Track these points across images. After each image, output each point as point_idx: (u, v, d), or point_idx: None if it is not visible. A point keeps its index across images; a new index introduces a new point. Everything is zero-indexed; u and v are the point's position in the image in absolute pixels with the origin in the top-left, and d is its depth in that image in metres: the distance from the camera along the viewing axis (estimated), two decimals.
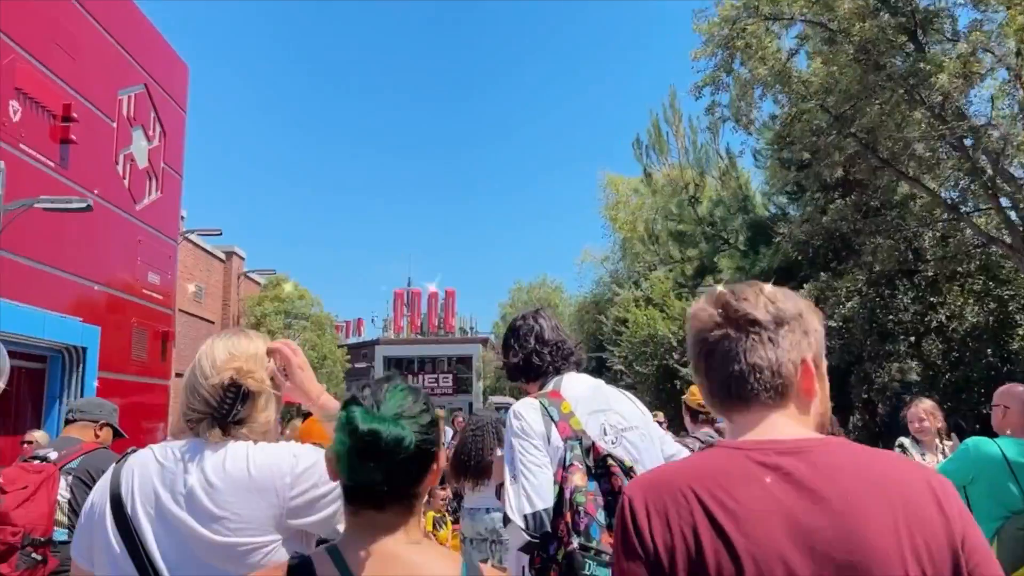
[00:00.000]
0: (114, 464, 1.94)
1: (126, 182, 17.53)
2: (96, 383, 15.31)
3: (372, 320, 49.56)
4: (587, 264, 30.17)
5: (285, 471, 1.82)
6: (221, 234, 22.52)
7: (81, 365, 14.51)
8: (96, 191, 16.18)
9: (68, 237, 15.33)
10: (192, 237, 23.66)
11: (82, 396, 15.07)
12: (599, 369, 26.17)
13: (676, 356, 14.46)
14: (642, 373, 15.53)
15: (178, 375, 22.68)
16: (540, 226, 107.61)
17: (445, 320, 47.74)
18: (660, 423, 9.97)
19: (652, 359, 15.10)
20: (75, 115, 14.90)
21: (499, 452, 6.33)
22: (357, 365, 40.69)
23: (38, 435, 8.54)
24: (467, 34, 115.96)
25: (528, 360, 3.06)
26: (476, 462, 6.26)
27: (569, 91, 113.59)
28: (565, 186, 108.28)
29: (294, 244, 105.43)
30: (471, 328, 49.11)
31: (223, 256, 27.03)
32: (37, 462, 3.47)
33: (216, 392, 1.92)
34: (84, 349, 14.62)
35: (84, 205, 10.97)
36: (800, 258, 9.28)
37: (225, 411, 1.89)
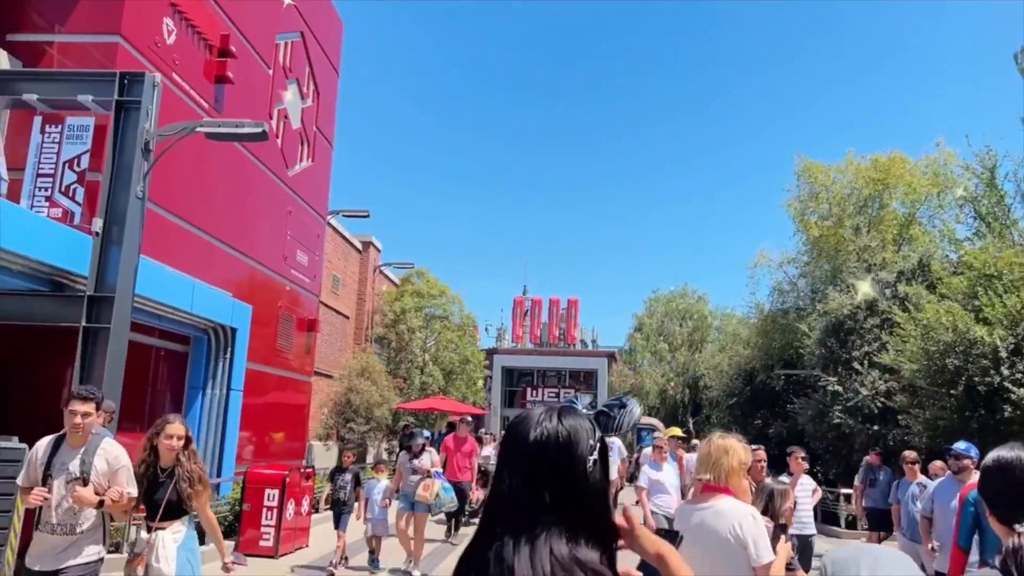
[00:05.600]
0: None
1: (279, 141, 14.98)
2: (243, 375, 12.69)
3: (486, 328, 46.82)
4: (761, 268, 26.23)
5: None
6: (368, 216, 20.01)
7: (230, 350, 11.89)
8: (250, 147, 13.70)
9: (216, 197, 12.82)
10: (332, 221, 21.19)
11: (229, 389, 12.45)
12: (794, 391, 22.13)
13: (1006, 372, 10.50)
14: (939, 393, 11.59)
15: (316, 373, 20.17)
16: (681, 229, 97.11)
17: (567, 331, 44.43)
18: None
19: (959, 376, 11.16)
20: (233, 49, 12.42)
21: None
22: None
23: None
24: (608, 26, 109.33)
25: None
26: None
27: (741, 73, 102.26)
28: (711, 186, 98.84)
29: (413, 242, 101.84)
30: (593, 341, 45.65)
31: (360, 246, 24.58)
32: None
33: None
34: (234, 331, 12.02)
35: (259, 130, 8.18)
36: None
37: None
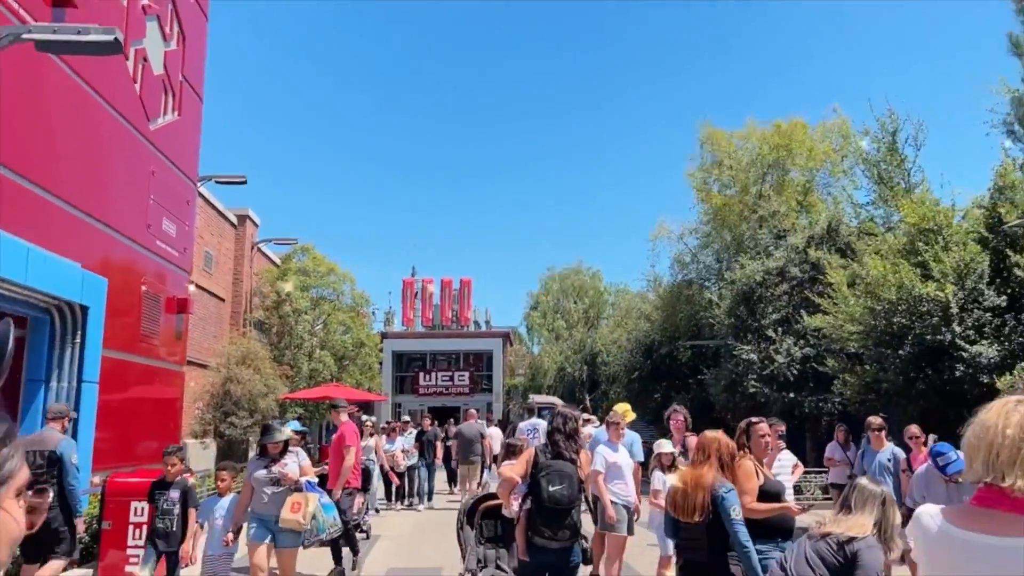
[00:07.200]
0: None
1: (138, 87, 12.68)
2: (99, 364, 10.48)
3: (373, 312, 44.76)
4: (661, 240, 25.79)
5: None
6: (245, 182, 17.77)
7: (80, 333, 9.70)
8: (102, 91, 11.37)
9: (59, 149, 10.50)
10: (202, 190, 18.78)
11: (80, 381, 10.21)
12: (702, 362, 21.69)
13: (957, 328, 10.03)
14: (883, 354, 11.08)
15: (189, 362, 17.76)
16: (576, 205, 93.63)
17: (460, 313, 43.07)
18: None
19: (905, 335, 10.66)
20: None
21: None
22: None
23: None
24: None
25: None
26: None
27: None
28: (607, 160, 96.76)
29: (291, 220, 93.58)
30: (487, 322, 44.55)
31: (235, 220, 22.13)
32: None
33: None
34: (85, 310, 9.82)
35: (110, 38, 6.26)
36: None
37: None
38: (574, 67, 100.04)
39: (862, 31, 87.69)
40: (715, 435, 5.05)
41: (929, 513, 1.94)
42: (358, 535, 10.55)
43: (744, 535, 4.40)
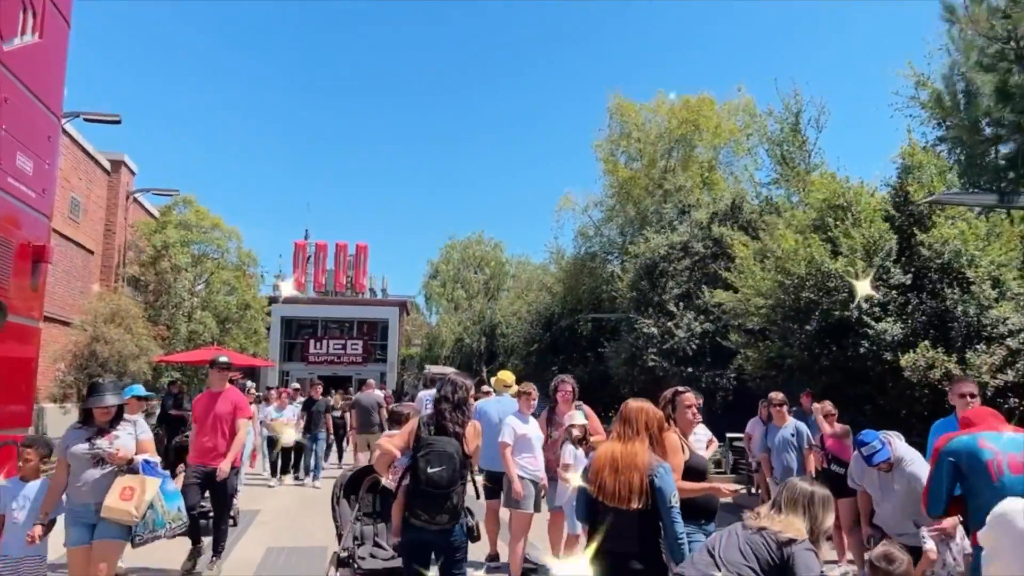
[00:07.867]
0: None
1: None
2: None
3: (262, 274, 42.65)
4: (566, 212, 25.53)
5: None
6: (120, 122, 16.02)
7: None
8: None
9: None
10: (69, 128, 16.89)
11: None
12: (605, 331, 21.61)
13: (864, 305, 10.05)
14: (790, 329, 11.02)
15: (48, 319, 15.99)
16: (479, 173, 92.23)
17: (355, 279, 41.65)
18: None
19: (812, 310, 10.62)
20: None
21: None
22: None
23: None
24: None
25: None
26: None
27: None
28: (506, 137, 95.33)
29: (173, 171, 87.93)
30: (383, 289, 43.34)
31: (108, 165, 20.15)
32: None
33: None
34: None
35: None
36: None
37: None
38: (480, 33, 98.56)
39: (775, 11, 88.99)
40: (641, 404, 4.41)
41: (1018, 510, 1.51)
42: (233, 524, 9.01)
43: (680, 526, 3.88)
